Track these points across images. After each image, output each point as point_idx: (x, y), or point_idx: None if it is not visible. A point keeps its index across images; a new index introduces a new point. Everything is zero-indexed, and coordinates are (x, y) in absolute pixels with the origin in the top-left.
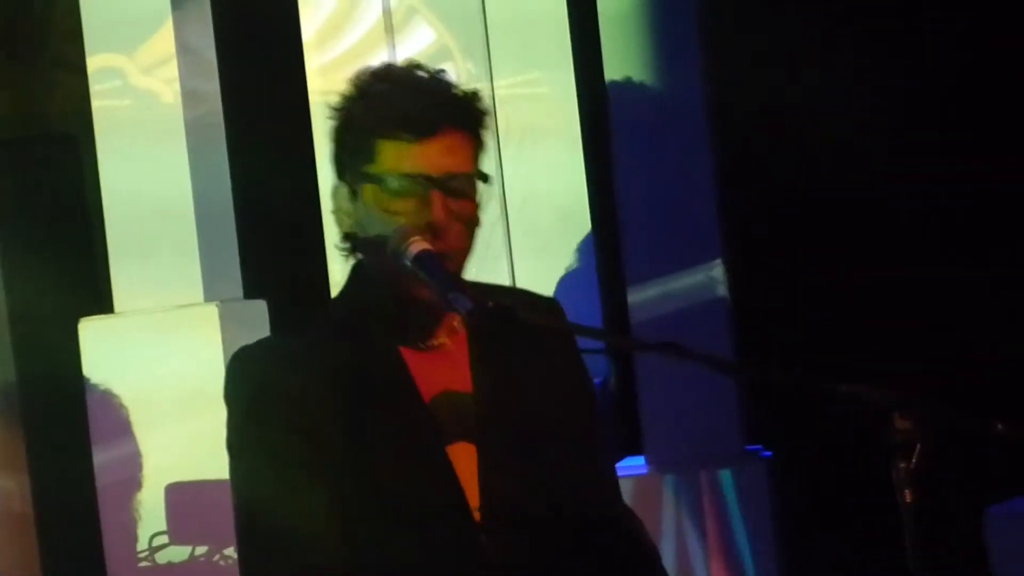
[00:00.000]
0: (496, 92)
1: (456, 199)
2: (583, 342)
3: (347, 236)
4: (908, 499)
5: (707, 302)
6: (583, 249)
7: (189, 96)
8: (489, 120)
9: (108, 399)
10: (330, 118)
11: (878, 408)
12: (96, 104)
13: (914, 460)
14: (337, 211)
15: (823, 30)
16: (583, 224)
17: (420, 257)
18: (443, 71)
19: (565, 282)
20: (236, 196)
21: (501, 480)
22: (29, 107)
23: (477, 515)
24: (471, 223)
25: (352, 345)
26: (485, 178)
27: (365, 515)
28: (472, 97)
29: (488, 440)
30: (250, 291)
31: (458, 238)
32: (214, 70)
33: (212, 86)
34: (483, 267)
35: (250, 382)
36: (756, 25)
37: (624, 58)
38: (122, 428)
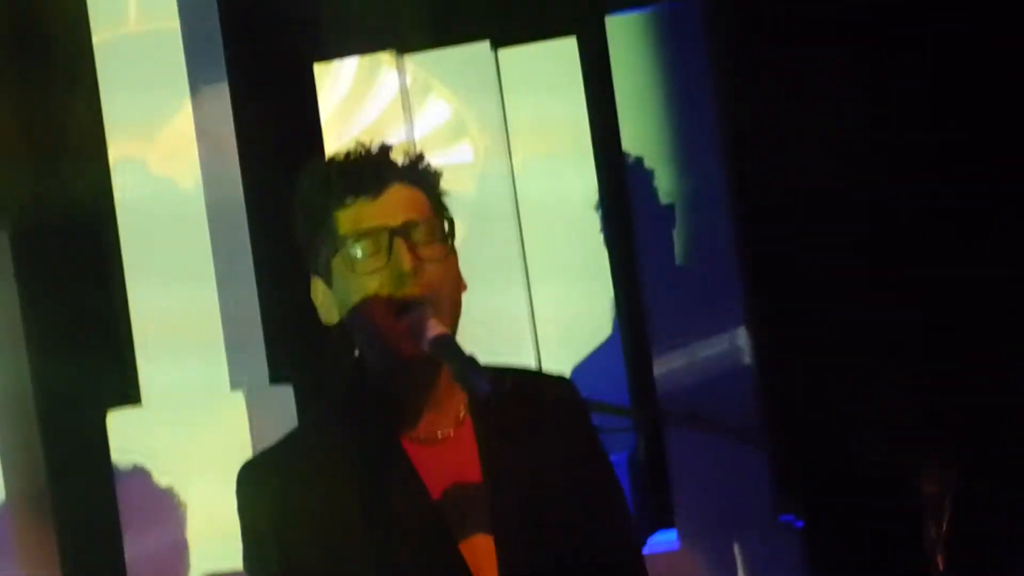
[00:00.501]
0: (514, 167)
1: (422, 245)
2: (607, 420)
3: (338, 329)
4: (939, 561)
5: (732, 370)
6: (607, 320)
7: (210, 181)
8: (440, 179)
9: (138, 490)
10: (293, 224)
11: (905, 467)
12: (118, 194)
13: (945, 520)
14: (321, 307)
15: (839, 67)
16: (606, 295)
17: (439, 340)
18: (384, 141)
19: (590, 354)
20: (260, 281)
21: (522, 570)
22: (51, 198)
23: None
24: (447, 265)
25: (356, 446)
26: (446, 219)
27: None
28: (417, 158)
29: (505, 531)
30: (276, 376)
31: (437, 280)
32: (234, 153)
33: (232, 170)
34: (507, 342)
35: (257, 504)
36: (770, 81)
37: (643, 130)
38: (153, 519)
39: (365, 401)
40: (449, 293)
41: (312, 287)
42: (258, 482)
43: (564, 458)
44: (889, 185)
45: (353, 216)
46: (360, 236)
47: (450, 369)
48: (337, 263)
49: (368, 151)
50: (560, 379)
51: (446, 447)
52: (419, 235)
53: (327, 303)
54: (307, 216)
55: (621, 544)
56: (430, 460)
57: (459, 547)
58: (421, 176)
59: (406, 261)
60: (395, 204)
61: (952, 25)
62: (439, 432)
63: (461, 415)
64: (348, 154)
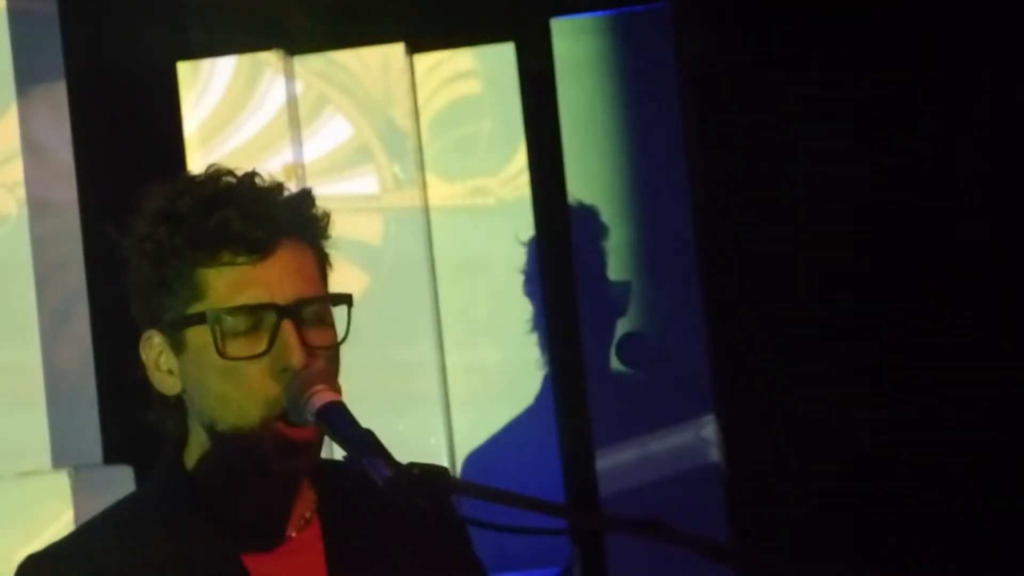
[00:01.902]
0: (430, 204)
1: (312, 329)
2: (539, 521)
3: (172, 402)
4: None
5: (696, 469)
6: (539, 402)
7: (38, 207)
8: (328, 226)
9: None
10: (130, 254)
11: None
12: None
13: None
14: (155, 369)
15: (843, 96)
16: (538, 370)
17: (327, 411)
18: (255, 174)
19: (518, 445)
20: (97, 335)
21: None
22: None
23: None
24: (332, 355)
25: (173, 546)
26: (342, 300)
27: None
28: (305, 199)
29: None
30: (112, 456)
31: (322, 375)
32: (70, 174)
33: (67, 194)
34: (413, 421)
35: None
36: (757, 108)
37: (593, 162)
38: None
39: (193, 493)
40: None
41: (145, 342)
42: None
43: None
44: (888, 254)
45: (229, 282)
46: (236, 311)
47: (341, 447)
48: (196, 334)
49: (255, 190)
50: (436, 471)
51: (287, 552)
52: (309, 315)
53: (166, 368)
54: (156, 262)
55: None
56: (266, 568)
57: None
58: (312, 227)
59: (295, 355)
60: (284, 271)
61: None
62: (282, 534)
63: (308, 515)
64: (226, 187)
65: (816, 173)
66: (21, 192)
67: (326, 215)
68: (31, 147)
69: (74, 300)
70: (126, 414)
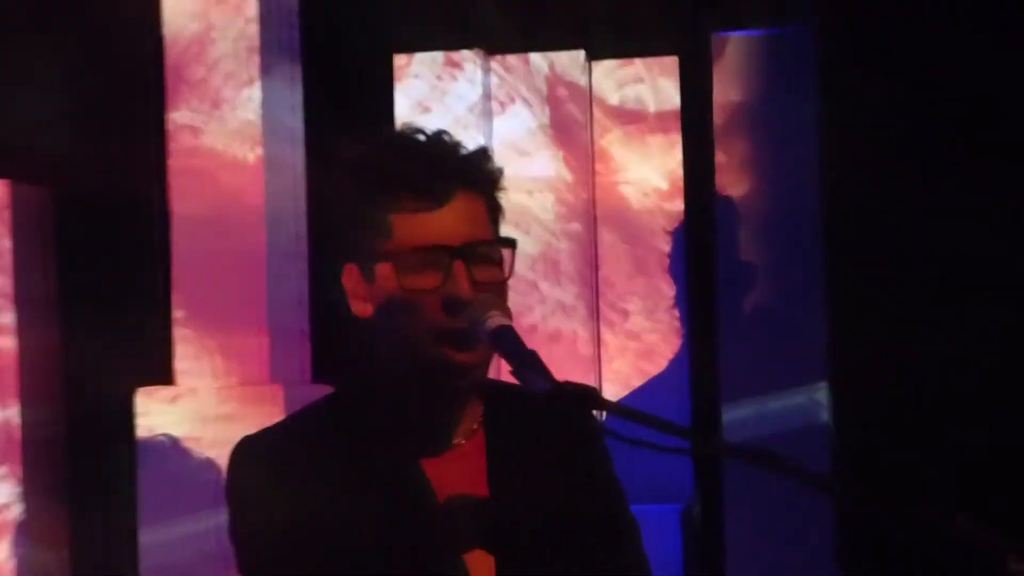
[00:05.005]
0: (597, 192)
1: (480, 267)
2: (666, 442)
3: (366, 324)
4: None
5: (806, 427)
6: (676, 364)
7: (271, 164)
8: (501, 180)
9: (160, 476)
10: (337, 194)
11: (992, 547)
12: (172, 163)
13: None
14: (354, 297)
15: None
16: (678, 339)
17: (499, 333)
18: (442, 132)
19: (654, 397)
20: (313, 273)
21: None
22: (99, 162)
23: None
24: (500, 292)
25: (361, 448)
26: (507, 243)
27: None
28: (482, 156)
29: (507, 550)
30: (319, 375)
31: (495, 303)
32: (300, 140)
33: (296, 157)
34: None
35: (255, 479)
36: (888, 125)
37: (739, 165)
38: (171, 507)
39: (379, 403)
40: None
41: (347, 273)
42: (256, 463)
43: (576, 482)
44: (1016, 239)
45: (411, 226)
46: (416, 251)
47: (509, 364)
48: (383, 268)
49: (435, 148)
50: (588, 389)
51: (455, 456)
52: (479, 255)
53: (362, 295)
54: (364, 206)
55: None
56: (437, 468)
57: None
58: (485, 180)
59: (464, 288)
60: (457, 219)
61: None
62: (451, 441)
63: (475, 427)
64: (414, 143)
65: (944, 173)
66: (260, 150)
67: (500, 170)
68: (270, 116)
69: (297, 240)
70: (335, 342)
